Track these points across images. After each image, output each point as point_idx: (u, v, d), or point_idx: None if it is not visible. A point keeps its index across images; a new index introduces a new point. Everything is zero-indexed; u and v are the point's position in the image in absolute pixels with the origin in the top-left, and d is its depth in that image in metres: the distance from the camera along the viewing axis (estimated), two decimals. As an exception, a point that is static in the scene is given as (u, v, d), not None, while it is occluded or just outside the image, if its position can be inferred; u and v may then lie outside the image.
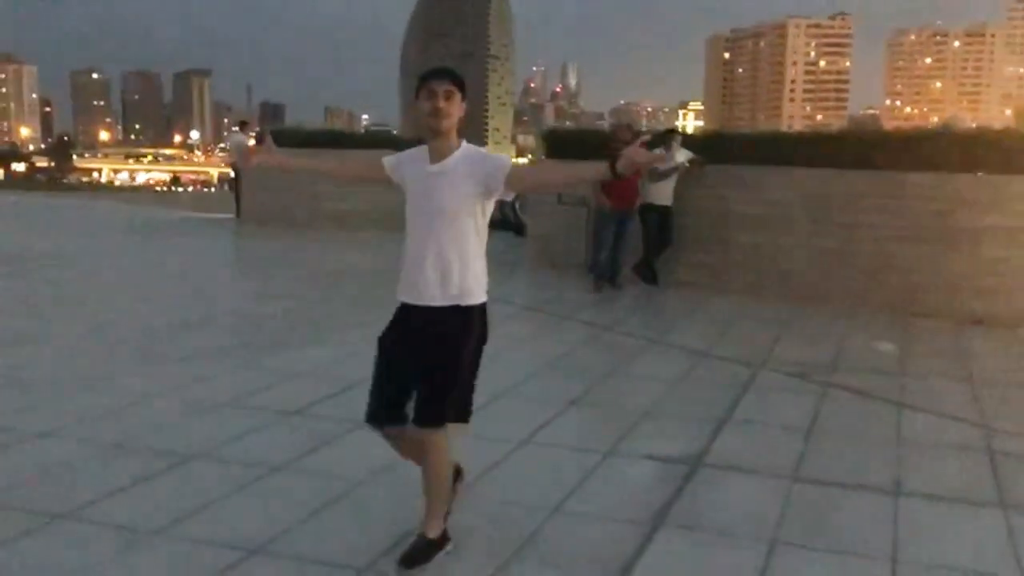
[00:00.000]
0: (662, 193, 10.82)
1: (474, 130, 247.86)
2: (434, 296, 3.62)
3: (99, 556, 3.82)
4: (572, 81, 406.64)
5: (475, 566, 3.84)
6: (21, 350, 7.32)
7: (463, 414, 3.88)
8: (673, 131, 11.38)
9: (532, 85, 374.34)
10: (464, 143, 3.66)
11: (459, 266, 3.60)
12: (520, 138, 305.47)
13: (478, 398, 6.25)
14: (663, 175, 10.74)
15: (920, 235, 9.66)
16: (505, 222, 16.96)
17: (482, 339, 3.79)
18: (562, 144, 13.26)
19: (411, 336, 3.69)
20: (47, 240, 15.28)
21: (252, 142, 17.90)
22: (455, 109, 3.57)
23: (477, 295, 3.68)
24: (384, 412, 3.80)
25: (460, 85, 3.60)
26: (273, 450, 5.10)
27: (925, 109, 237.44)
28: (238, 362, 7.04)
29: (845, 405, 6.49)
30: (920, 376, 7.34)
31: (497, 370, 7.24)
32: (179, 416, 5.68)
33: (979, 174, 9.55)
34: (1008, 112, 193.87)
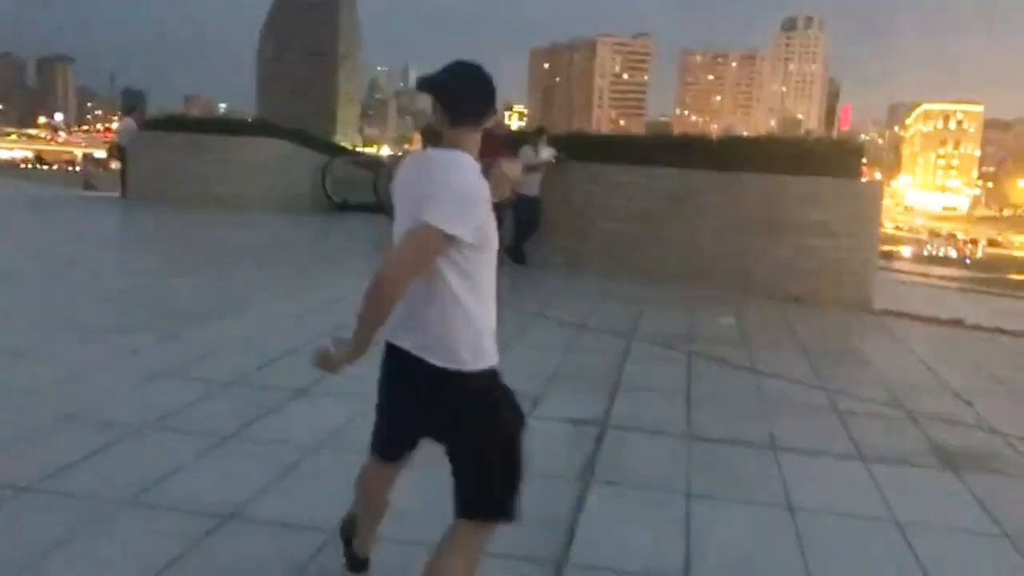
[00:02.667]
0: (530, 184, 10.77)
1: (323, 123, 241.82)
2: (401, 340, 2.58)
3: (73, 527, 3.41)
4: (412, 81, 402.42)
5: (423, 529, 3.65)
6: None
7: None
8: (541, 130, 11.33)
9: (378, 83, 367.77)
10: (458, 152, 2.49)
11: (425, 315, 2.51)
12: (366, 130, 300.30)
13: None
14: (531, 168, 10.68)
15: (751, 226, 9.98)
16: (380, 205, 16.54)
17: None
18: (435, 137, 12.96)
19: None
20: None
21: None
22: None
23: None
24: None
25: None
26: (220, 419, 4.73)
27: (707, 118, 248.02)
28: (165, 334, 6.50)
29: (709, 371, 6.61)
30: (763, 346, 7.59)
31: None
32: (123, 387, 5.18)
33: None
34: (772, 123, 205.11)
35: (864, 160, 10.35)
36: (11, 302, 7.42)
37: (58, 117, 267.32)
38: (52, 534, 3.34)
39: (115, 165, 18.40)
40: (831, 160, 9.84)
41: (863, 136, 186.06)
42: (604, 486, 4.23)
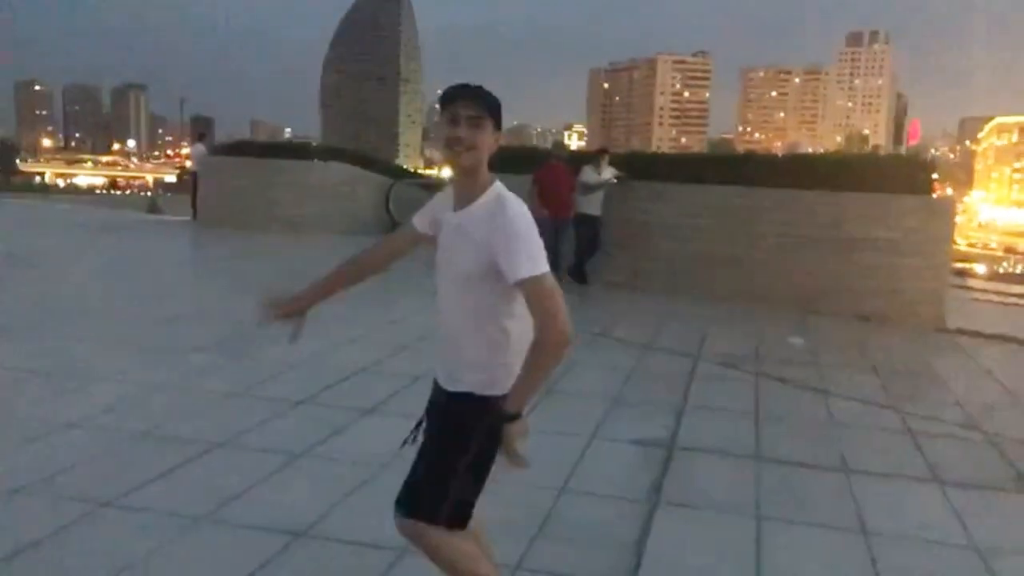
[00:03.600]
0: (592, 204, 10.80)
1: (388, 146, 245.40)
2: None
3: (154, 542, 3.51)
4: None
5: (503, 545, 3.67)
6: (30, 344, 6.81)
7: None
8: (603, 150, 11.35)
9: (438, 107, 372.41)
10: (497, 184, 2.44)
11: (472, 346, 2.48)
12: (427, 153, 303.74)
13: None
14: (593, 189, 10.72)
15: (816, 244, 9.83)
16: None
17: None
18: (500, 159, 13.09)
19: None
20: (22, 240, 14.41)
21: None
22: (483, 141, 2.37)
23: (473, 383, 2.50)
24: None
25: (494, 111, 2.40)
26: (291, 438, 4.82)
27: (770, 135, 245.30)
28: (236, 354, 6.68)
29: (778, 392, 6.52)
30: (832, 366, 7.45)
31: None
32: (196, 406, 5.32)
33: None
34: (839, 139, 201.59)
35: (935, 175, 10.12)
36: (87, 324, 7.68)
37: (131, 144, 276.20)
38: (133, 549, 3.44)
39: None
40: (900, 176, 9.65)
41: (933, 151, 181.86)
42: (672, 508, 4.20)
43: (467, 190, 2.43)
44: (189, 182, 18.38)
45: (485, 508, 2.78)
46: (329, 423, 5.09)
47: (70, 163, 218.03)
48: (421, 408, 5.50)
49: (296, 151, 18.67)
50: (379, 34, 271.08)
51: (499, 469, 2.58)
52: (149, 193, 76.82)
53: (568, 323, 2.30)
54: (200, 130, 17.69)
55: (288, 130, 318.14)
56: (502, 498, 4.14)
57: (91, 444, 4.58)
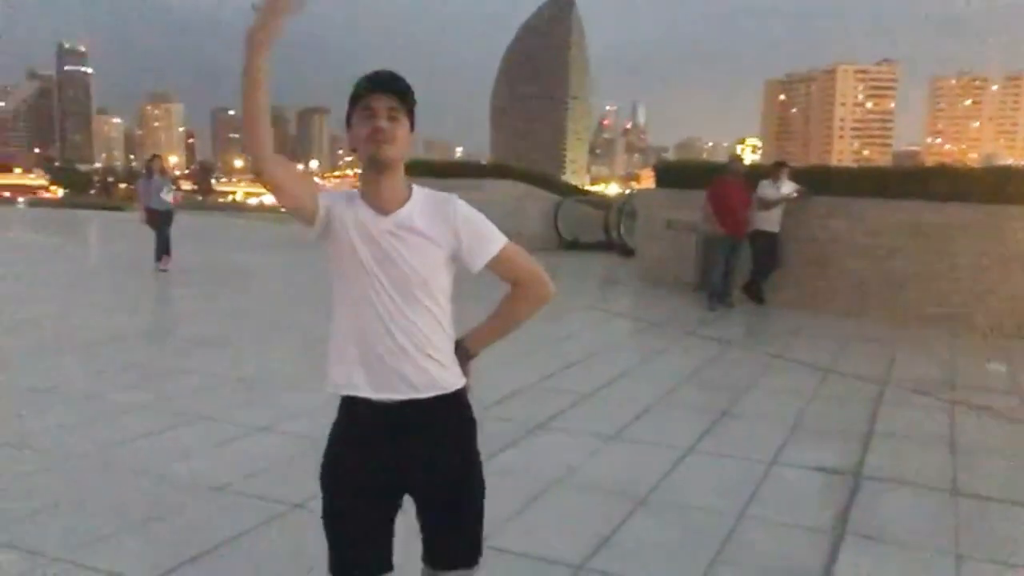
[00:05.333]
0: (770, 220, 10.48)
1: (553, 163, 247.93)
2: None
3: (338, 545, 3.68)
4: (641, 119, 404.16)
5: (677, 570, 3.60)
6: (231, 353, 7.33)
7: None
8: (782, 164, 11.00)
9: (605, 123, 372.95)
10: (414, 186, 2.25)
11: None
12: (593, 169, 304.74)
13: (634, 407, 6.04)
14: (772, 204, 10.41)
15: (1020, 263, 9.13)
16: (610, 243, 16.71)
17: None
18: (670, 173, 13.00)
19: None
20: (220, 255, 15.52)
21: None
22: (402, 134, 2.17)
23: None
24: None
25: (409, 105, 2.19)
26: (465, 449, 4.93)
27: (964, 147, 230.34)
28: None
29: (976, 421, 6.07)
30: (1039, 396, 6.89)
31: (643, 380, 7.05)
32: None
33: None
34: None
35: None
36: (282, 336, 8.17)
37: (313, 164, 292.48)
38: (317, 552, 3.61)
39: None
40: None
41: None
42: (859, 540, 3.98)
43: (389, 191, 2.19)
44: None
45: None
46: (500, 436, 5.16)
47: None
48: (593, 425, 5.53)
49: (469, 170, 19.19)
50: (549, 53, 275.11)
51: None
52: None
53: None
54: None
55: (459, 149, 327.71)
56: (678, 520, 4.09)
57: (283, 448, 4.86)
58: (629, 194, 23.11)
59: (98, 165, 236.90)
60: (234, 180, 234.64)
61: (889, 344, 8.61)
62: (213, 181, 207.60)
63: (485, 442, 5.08)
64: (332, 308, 2.29)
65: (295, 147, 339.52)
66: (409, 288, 2.20)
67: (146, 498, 4.13)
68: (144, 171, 14.02)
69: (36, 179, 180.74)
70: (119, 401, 5.73)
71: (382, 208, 2.18)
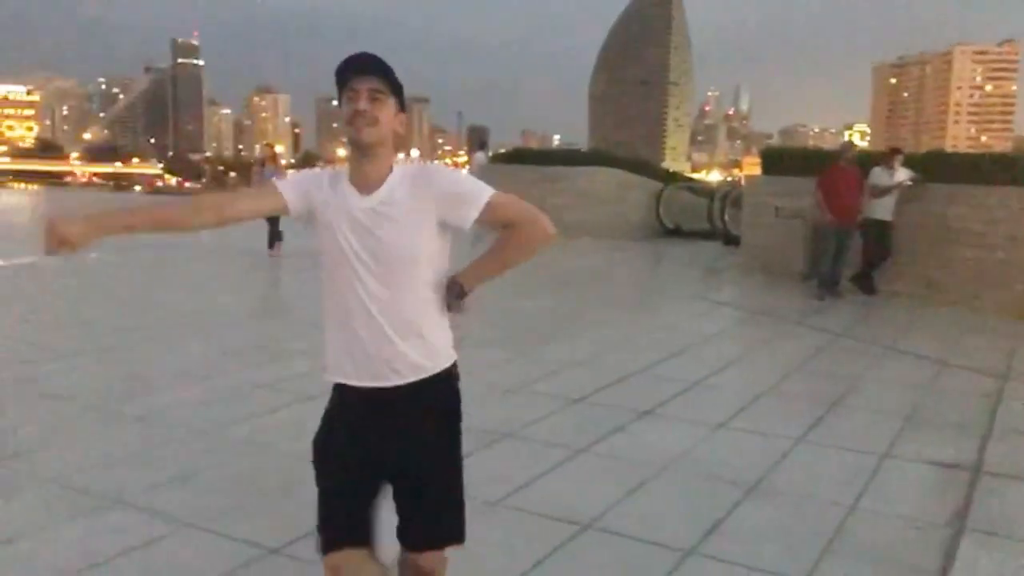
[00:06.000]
0: (883, 208, 10.18)
1: (653, 150, 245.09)
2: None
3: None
4: (744, 104, 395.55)
5: (789, 562, 3.59)
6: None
7: None
8: (896, 151, 10.66)
9: (707, 108, 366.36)
10: (394, 165, 2.27)
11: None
12: (694, 156, 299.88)
13: (742, 396, 6.00)
14: (885, 191, 10.11)
15: None
16: (713, 231, 16.49)
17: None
18: (778, 161, 12.74)
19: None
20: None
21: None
22: (386, 116, 2.20)
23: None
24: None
25: (394, 86, 2.22)
26: (571, 433, 5.01)
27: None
28: (515, 352, 7.04)
29: (1106, 420, 5.81)
30: None
31: (749, 370, 6.99)
32: (481, 398, 5.66)
33: None
34: None
35: None
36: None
37: (414, 153, 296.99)
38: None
39: None
40: None
41: None
42: (980, 536, 3.88)
43: (374, 172, 2.22)
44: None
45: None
46: (608, 422, 5.22)
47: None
48: (700, 413, 5.54)
49: (568, 158, 19.21)
50: (649, 37, 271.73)
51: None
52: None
53: None
54: (482, 138, 18.58)
55: (557, 137, 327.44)
56: (788, 509, 4.07)
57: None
58: (733, 181, 22.71)
59: (208, 154, 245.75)
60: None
61: (1009, 337, 8.28)
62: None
63: (589, 426, 5.18)
64: (321, 297, 2.32)
65: (397, 140, 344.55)
66: (396, 269, 2.21)
67: (276, 472, 4.34)
68: (259, 160, 14.52)
69: (152, 168, 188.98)
70: (243, 379, 6.01)
71: (367, 188, 2.21)
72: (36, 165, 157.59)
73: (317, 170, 2.37)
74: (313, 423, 2.48)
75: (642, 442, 4.94)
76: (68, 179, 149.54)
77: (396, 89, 2.22)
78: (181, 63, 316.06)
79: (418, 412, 2.32)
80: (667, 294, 11.15)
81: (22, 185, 77.42)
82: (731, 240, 14.81)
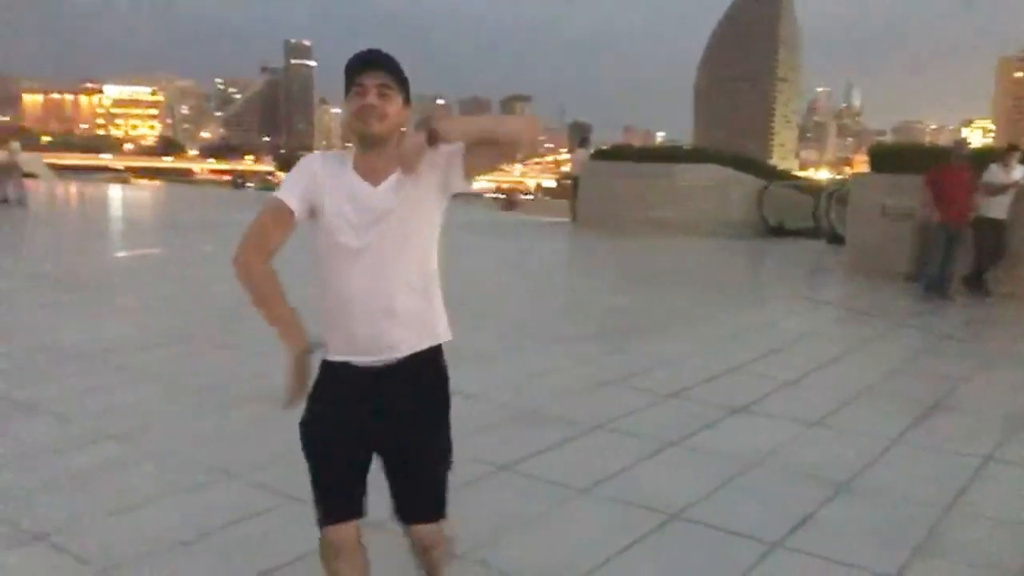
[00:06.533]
0: (998, 207, 9.82)
1: (760, 147, 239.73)
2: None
3: (546, 506, 3.92)
4: (856, 100, 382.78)
5: (878, 559, 3.57)
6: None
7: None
8: (1014, 147, 10.24)
9: (817, 105, 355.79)
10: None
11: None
12: (802, 153, 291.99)
13: (839, 395, 5.93)
14: (1000, 190, 9.75)
15: None
16: (818, 230, 16.14)
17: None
18: (887, 157, 12.41)
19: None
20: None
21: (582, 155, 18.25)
22: (393, 109, 2.26)
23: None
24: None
25: (401, 81, 2.29)
26: (664, 427, 5.07)
27: None
28: (611, 346, 7.11)
29: None
30: None
31: (848, 369, 6.88)
32: (577, 390, 5.79)
33: None
34: None
35: None
36: (488, 312, 8.57)
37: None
38: (520, 511, 3.88)
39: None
40: None
41: None
42: (1082, 543, 3.78)
43: (381, 164, 2.29)
44: (570, 186, 19.57)
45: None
46: (699, 417, 5.26)
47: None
48: (795, 410, 5.52)
49: (671, 155, 19.08)
50: (757, 32, 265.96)
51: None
52: (531, 197, 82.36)
53: None
54: (584, 135, 18.66)
55: (660, 134, 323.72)
56: (881, 508, 4.04)
57: (489, 415, 5.17)
58: (841, 179, 22.10)
59: (317, 152, 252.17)
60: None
61: None
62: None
63: (682, 421, 5.24)
64: (320, 279, 2.38)
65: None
66: (397, 248, 2.28)
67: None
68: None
69: (265, 166, 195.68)
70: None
71: (375, 180, 2.29)
72: (157, 163, 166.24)
73: (303, 163, 2.42)
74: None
75: (734, 438, 4.96)
76: (194, 175, 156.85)
77: (403, 84, 2.30)
78: (294, 64, 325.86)
79: (411, 388, 2.38)
80: (767, 292, 11.01)
81: (144, 181, 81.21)
82: (836, 239, 14.47)
